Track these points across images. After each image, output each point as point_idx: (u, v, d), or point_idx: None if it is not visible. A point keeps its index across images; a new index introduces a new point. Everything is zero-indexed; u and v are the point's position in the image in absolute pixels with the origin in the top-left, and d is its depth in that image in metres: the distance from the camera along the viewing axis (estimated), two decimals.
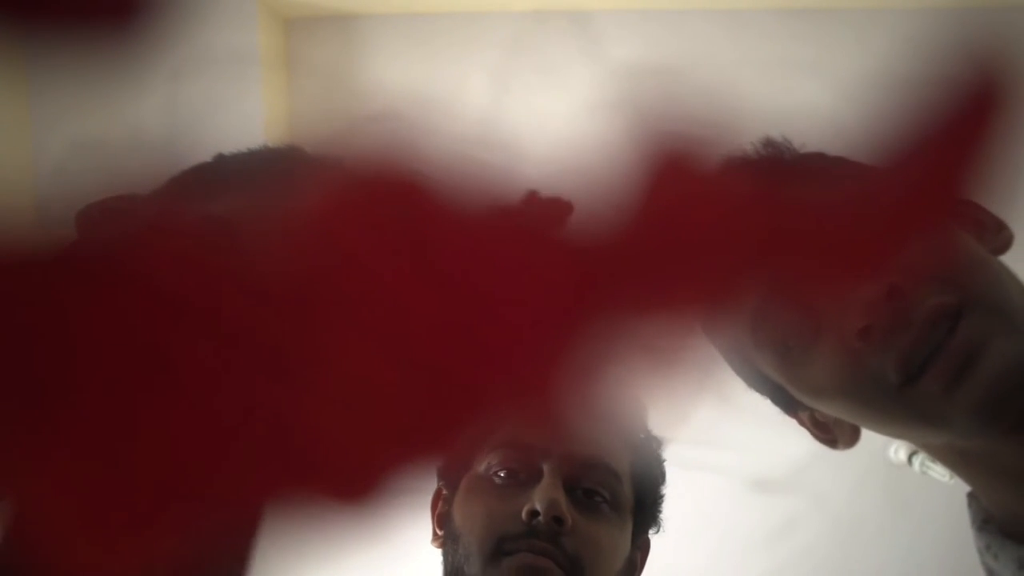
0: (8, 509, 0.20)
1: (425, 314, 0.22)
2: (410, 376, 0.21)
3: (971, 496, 0.60)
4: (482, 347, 0.22)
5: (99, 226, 0.36)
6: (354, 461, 0.22)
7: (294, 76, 2.04)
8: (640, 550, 0.85)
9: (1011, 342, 0.50)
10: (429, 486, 0.83)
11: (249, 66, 1.89)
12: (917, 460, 1.92)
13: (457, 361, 0.22)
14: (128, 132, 1.73)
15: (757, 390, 0.62)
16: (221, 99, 1.80)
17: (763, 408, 0.64)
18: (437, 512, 0.84)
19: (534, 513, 0.74)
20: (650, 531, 0.86)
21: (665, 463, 0.87)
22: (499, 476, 0.79)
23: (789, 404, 0.61)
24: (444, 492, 0.84)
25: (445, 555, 0.81)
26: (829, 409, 0.59)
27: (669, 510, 0.87)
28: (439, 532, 0.83)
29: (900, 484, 2.05)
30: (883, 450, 1.99)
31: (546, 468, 0.77)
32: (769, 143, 0.60)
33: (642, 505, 0.83)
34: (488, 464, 0.79)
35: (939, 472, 1.81)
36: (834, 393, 0.56)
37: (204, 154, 0.51)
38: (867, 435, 0.61)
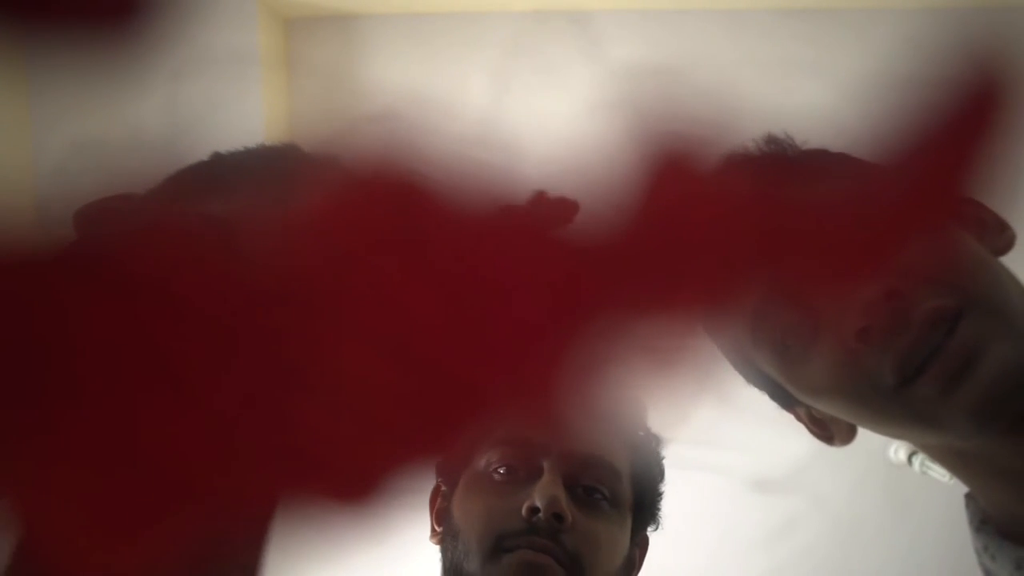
0: (12, 510, 0.20)
1: (425, 314, 0.22)
2: (410, 376, 0.21)
3: (969, 497, 0.60)
4: (482, 347, 0.22)
5: (97, 226, 0.36)
6: (355, 461, 0.22)
7: (294, 76, 2.04)
8: (639, 547, 0.85)
9: (1009, 345, 0.50)
10: (428, 484, 0.83)
11: (249, 66, 1.89)
12: (917, 460, 1.92)
13: (457, 361, 0.22)
14: (128, 132, 1.73)
15: (755, 385, 0.62)
16: (221, 99, 1.80)
17: (763, 408, 0.64)
18: (436, 509, 0.84)
19: (534, 510, 0.74)
20: (649, 528, 0.86)
21: (664, 461, 0.88)
22: (499, 473, 0.79)
23: (787, 400, 0.62)
24: (443, 488, 0.84)
25: (444, 552, 0.81)
26: (826, 408, 0.59)
27: (669, 510, 0.88)
28: (438, 529, 0.83)
29: (900, 484, 2.05)
30: (883, 450, 1.99)
31: (546, 465, 0.77)
32: (772, 139, 0.60)
33: (641, 503, 0.83)
34: (488, 461, 0.79)
35: (939, 472, 1.81)
36: (831, 392, 0.56)
37: (204, 154, 0.51)
38: (867, 435, 0.61)
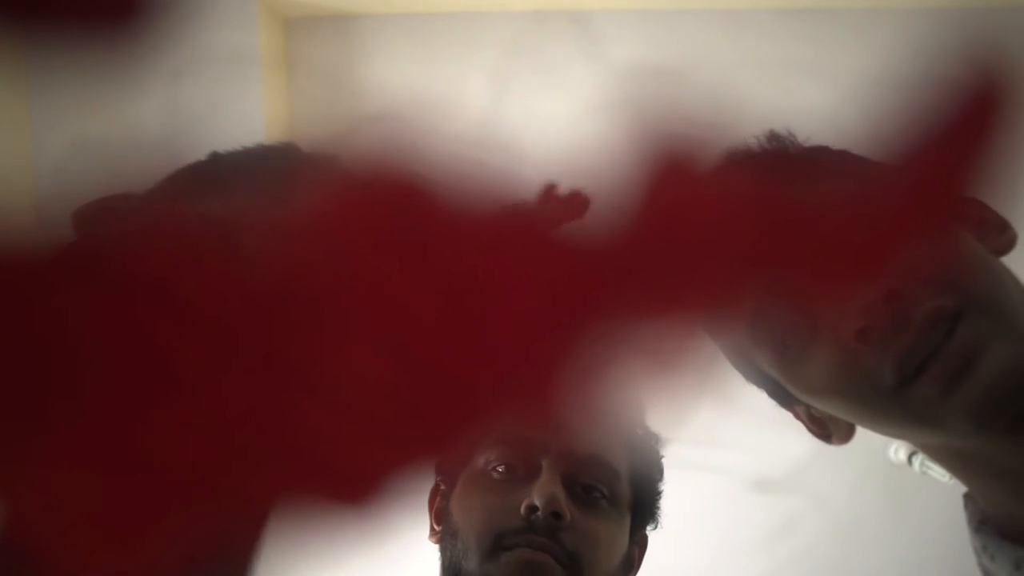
0: (9, 510, 0.20)
1: (425, 314, 0.22)
2: (411, 376, 0.21)
3: (967, 497, 0.60)
4: (482, 347, 0.22)
5: (96, 226, 0.36)
6: (355, 461, 0.22)
7: (294, 76, 2.04)
8: (638, 546, 0.85)
9: (1009, 346, 0.50)
10: (427, 484, 0.84)
11: (249, 66, 1.89)
12: (917, 460, 1.92)
13: (457, 361, 0.22)
14: (128, 132, 1.74)
15: (754, 383, 0.62)
16: (221, 99, 1.80)
17: (763, 408, 0.64)
18: (435, 508, 0.84)
19: (533, 508, 0.75)
20: (648, 527, 0.86)
21: (663, 460, 0.88)
22: (498, 471, 0.79)
23: (786, 398, 0.62)
24: (442, 488, 0.84)
25: (443, 550, 0.81)
26: (826, 407, 0.59)
27: (669, 510, 0.88)
28: (436, 528, 0.83)
29: (900, 484, 2.05)
30: (883, 450, 1.99)
31: (545, 464, 0.78)
32: (774, 136, 0.60)
33: (640, 501, 0.83)
34: (487, 459, 0.80)
35: (939, 472, 1.81)
36: (831, 392, 0.56)
37: (204, 154, 0.51)
38: (867, 435, 0.61)
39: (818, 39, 2.01)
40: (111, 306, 0.20)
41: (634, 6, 2.02)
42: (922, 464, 1.90)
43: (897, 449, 1.97)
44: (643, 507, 0.84)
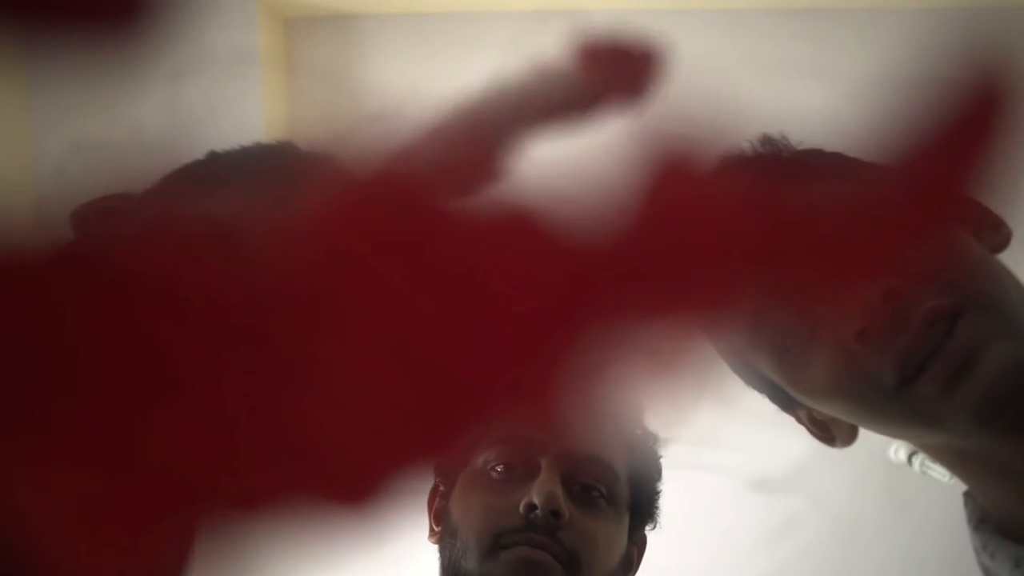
0: (6, 510, 0.20)
1: (425, 315, 0.21)
2: (410, 377, 0.21)
3: (967, 495, 0.60)
4: (482, 348, 0.22)
5: (94, 225, 0.36)
6: (354, 463, 0.22)
7: (294, 76, 2.04)
8: (637, 546, 0.85)
9: (1009, 345, 0.50)
10: (427, 484, 0.84)
11: (249, 66, 1.89)
12: (917, 460, 1.92)
13: (457, 362, 0.22)
14: (128, 132, 1.73)
15: (755, 388, 0.62)
16: (221, 99, 1.80)
17: (763, 408, 0.64)
18: (434, 508, 0.84)
19: (532, 507, 0.75)
20: (647, 527, 0.86)
21: (661, 460, 0.88)
22: (496, 471, 0.79)
23: (787, 402, 0.62)
24: (441, 488, 0.84)
25: (442, 550, 0.81)
26: (826, 409, 0.59)
27: (669, 510, 0.88)
28: (436, 528, 0.83)
29: (900, 484, 2.05)
30: (883, 450, 1.99)
31: (544, 463, 0.78)
32: (767, 140, 0.60)
33: (639, 501, 0.83)
34: (486, 459, 0.80)
35: (939, 472, 1.81)
36: (831, 394, 0.56)
37: (203, 154, 0.51)
38: (867, 435, 0.61)
39: (818, 39, 2.01)
40: (109, 306, 0.20)
41: (634, 6, 2.02)
42: (922, 464, 1.90)
43: (897, 449, 1.97)
44: (642, 507, 0.84)
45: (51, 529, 0.20)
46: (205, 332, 0.21)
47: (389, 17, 2.05)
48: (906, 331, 0.51)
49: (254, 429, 0.21)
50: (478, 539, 0.76)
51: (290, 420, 0.21)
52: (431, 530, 0.84)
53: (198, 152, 0.51)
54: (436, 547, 0.83)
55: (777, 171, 0.59)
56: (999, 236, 0.58)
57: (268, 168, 0.47)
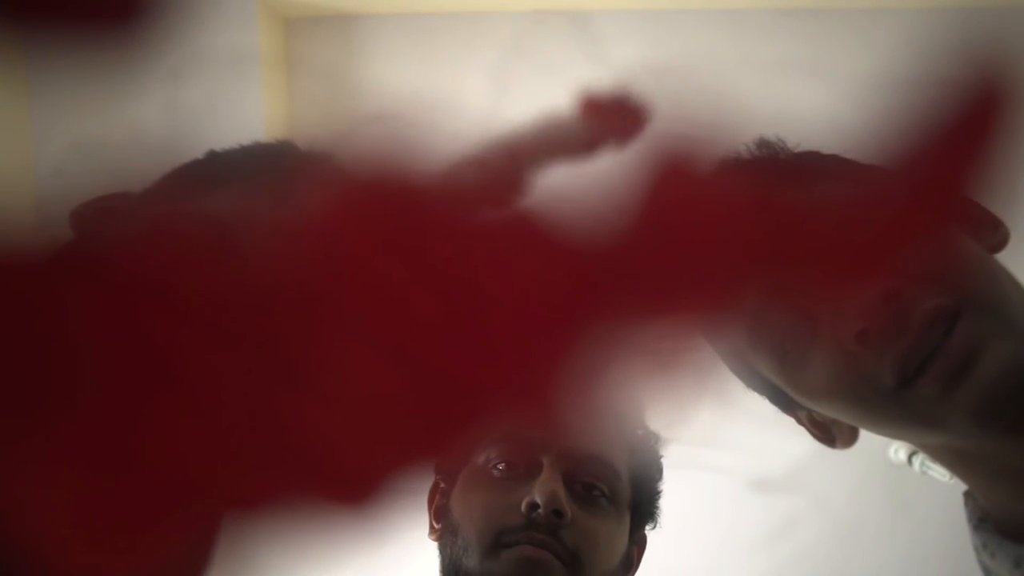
0: (4, 509, 0.20)
1: (425, 315, 0.21)
2: (411, 377, 0.21)
3: (967, 495, 0.60)
4: (483, 348, 0.22)
5: (93, 225, 0.36)
6: (355, 463, 0.22)
7: (294, 76, 2.04)
8: (637, 545, 0.85)
9: (1008, 344, 0.50)
10: (427, 484, 0.84)
11: (249, 66, 1.89)
12: (917, 460, 1.92)
13: (458, 361, 0.22)
14: (128, 132, 1.73)
15: (755, 390, 0.62)
16: (221, 99, 1.80)
17: (763, 408, 0.64)
18: (434, 506, 0.84)
19: (533, 506, 0.75)
20: (647, 527, 0.86)
21: (662, 459, 0.88)
22: (498, 469, 0.79)
23: (787, 404, 0.62)
24: (441, 486, 0.84)
25: (442, 548, 0.81)
26: (826, 410, 0.59)
27: (670, 510, 0.88)
28: (436, 526, 0.83)
29: (900, 484, 2.05)
30: (883, 450, 1.99)
31: (545, 462, 0.78)
32: (763, 143, 0.60)
33: (639, 500, 0.83)
34: (487, 457, 0.80)
35: (939, 472, 1.81)
36: (831, 395, 0.56)
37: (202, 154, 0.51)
38: (867, 435, 0.61)
39: (818, 39, 2.01)
40: (109, 306, 0.20)
41: (634, 6, 2.02)
42: (922, 464, 1.90)
43: (897, 449, 1.97)
44: (643, 506, 0.84)
45: (51, 529, 0.20)
46: (204, 332, 0.21)
47: (389, 17, 2.05)
48: (905, 332, 0.51)
49: (254, 429, 0.21)
50: (479, 537, 0.76)
51: (290, 420, 0.21)
52: (431, 527, 0.84)
53: (198, 152, 0.51)
54: (436, 545, 0.83)
55: (777, 172, 0.59)
56: (997, 236, 0.58)
57: (267, 167, 0.47)
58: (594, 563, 0.76)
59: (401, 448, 0.22)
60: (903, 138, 0.25)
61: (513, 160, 0.26)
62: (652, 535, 0.88)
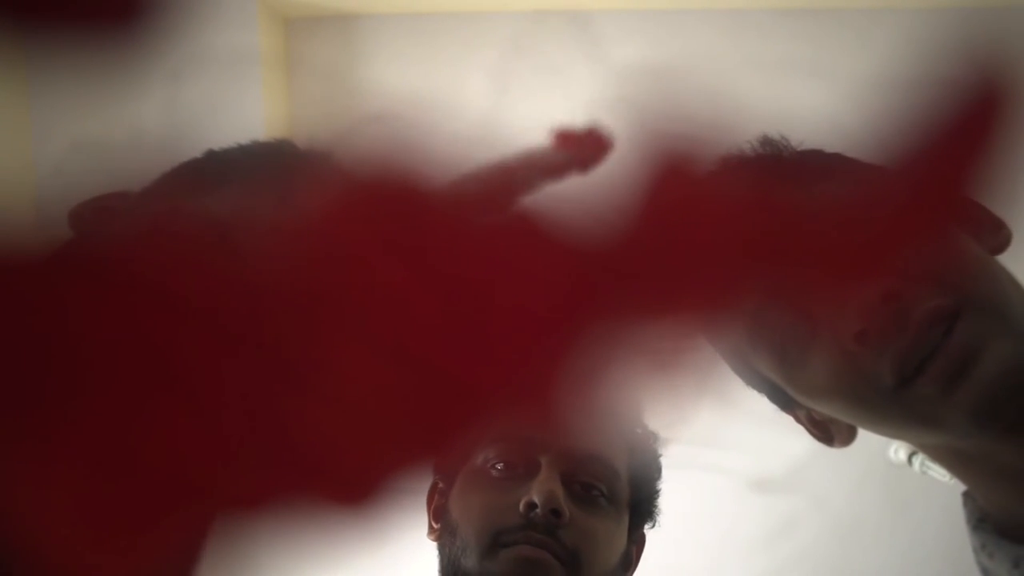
0: (3, 509, 0.20)
1: (425, 315, 0.21)
2: (410, 377, 0.21)
3: (966, 495, 0.60)
4: (482, 348, 0.22)
5: (92, 224, 0.36)
6: (354, 463, 0.22)
7: (294, 76, 2.04)
8: (636, 545, 0.85)
9: (1008, 344, 0.50)
10: (426, 484, 0.84)
11: (249, 66, 1.89)
12: (917, 460, 1.92)
13: (457, 361, 0.22)
14: (128, 132, 1.74)
15: (754, 388, 0.62)
16: (221, 99, 1.80)
17: (763, 408, 0.64)
18: (433, 506, 0.84)
19: (532, 505, 0.75)
20: (646, 526, 0.86)
21: (661, 458, 0.88)
22: (497, 469, 0.79)
23: (786, 402, 0.62)
24: (440, 486, 0.84)
25: (441, 548, 0.81)
26: (826, 409, 0.59)
27: (670, 510, 0.88)
28: (435, 526, 0.83)
29: (900, 484, 2.05)
30: (883, 450, 1.99)
31: (544, 461, 0.78)
32: (767, 141, 0.60)
33: (638, 500, 0.83)
34: (486, 457, 0.80)
35: (939, 472, 1.81)
36: (830, 394, 0.56)
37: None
38: (867, 435, 0.61)
39: (818, 39, 2.01)
40: (108, 305, 0.20)
41: (634, 6, 2.02)
42: (922, 464, 1.90)
43: (897, 449, 1.97)
44: (641, 506, 0.84)
45: (51, 529, 0.20)
46: (204, 332, 0.21)
47: (389, 17, 2.05)
48: (905, 331, 0.51)
49: (254, 429, 0.21)
50: (478, 537, 0.76)
51: (290, 420, 0.21)
52: (430, 527, 0.84)
53: (197, 152, 0.51)
54: (435, 545, 0.83)
55: (777, 172, 0.59)
56: (999, 238, 0.58)
57: (266, 166, 0.47)
58: (593, 563, 0.76)
59: (401, 448, 0.22)
60: (903, 138, 0.25)
61: (505, 176, 0.27)
62: (652, 535, 0.88)
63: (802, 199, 0.24)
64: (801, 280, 0.24)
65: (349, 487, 0.22)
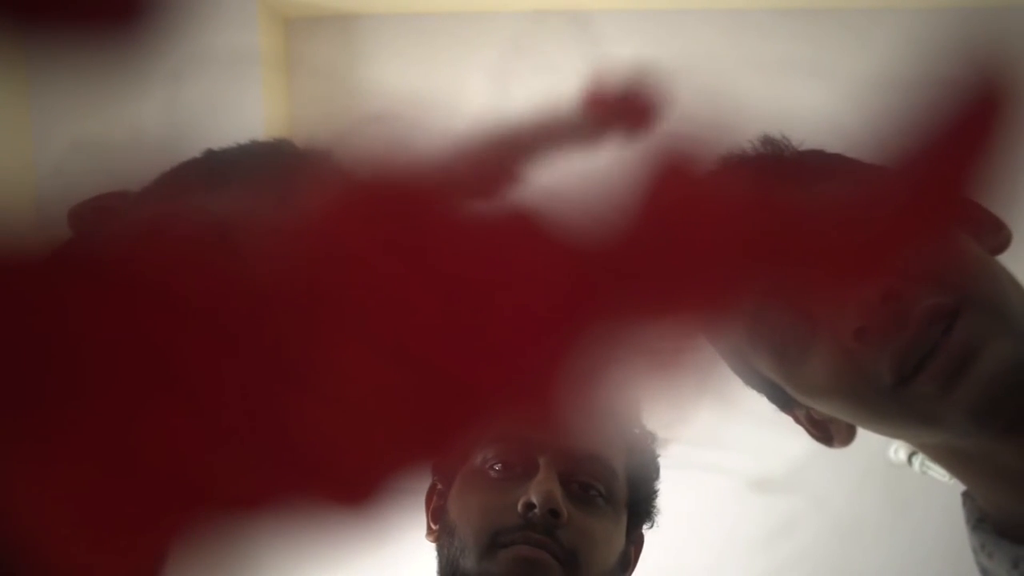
0: (3, 509, 0.20)
1: (424, 315, 0.21)
2: (409, 377, 0.21)
3: (966, 495, 0.60)
4: (482, 348, 0.22)
5: (92, 224, 0.36)
6: (354, 463, 0.22)
7: (294, 76, 2.04)
8: (634, 545, 0.85)
9: (1007, 343, 0.50)
10: (425, 484, 0.84)
11: (249, 66, 1.89)
12: (917, 460, 1.92)
13: (457, 363, 0.22)
14: (128, 132, 1.73)
15: (754, 387, 0.62)
16: (221, 99, 1.80)
17: (763, 408, 0.64)
18: (432, 506, 0.84)
19: (530, 506, 0.75)
20: (644, 526, 0.86)
21: (659, 458, 0.88)
22: (495, 469, 0.79)
23: (785, 402, 0.62)
24: (438, 486, 0.84)
25: (440, 549, 0.81)
26: (825, 408, 0.59)
27: (670, 510, 0.88)
28: (433, 526, 0.83)
29: (900, 484, 2.05)
30: (883, 450, 1.99)
31: (542, 462, 0.78)
32: (768, 141, 0.60)
33: (636, 500, 0.83)
34: (484, 457, 0.80)
35: (939, 472, 1.81)
36: (830, 393, 0.56)
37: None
38: (867, 435, 0.61)
39: (818, 39, 2.01)
40: (107, 305, 0.20)
41: (634, 6, 2.02)
42: (922, 464, 1.90)
43: (897, 449, 1.97)
44: (639, 506, 0.84)
45: (50, 529, 0.20)
46: (204, 332, 0.21)
47: (389, 17, 2.05)
48: (904, 330, 0.51)
49: (253, 429, 0.21)
50: (476, 538, 0.76)
51: (289, 420, 0.21)
52: (428, 528, 0.84)
53: (197, 152, 0.51)
54: (434, 545, 0.83)
55: (777, 172, 0.59)
56: (999, 238, 0.58)
57: (266, 167, 0.47)
58: (591, 563, 0.76)
59: (400, 448, 0.22)
60: (903, 138, 0.25)
61: (505, 150, 0.26)
62: (652, 535, 0.88)
63: (802, 199, 0.24)
64: (801, 280, 0.24)
65: (349, 487, 0.22)
